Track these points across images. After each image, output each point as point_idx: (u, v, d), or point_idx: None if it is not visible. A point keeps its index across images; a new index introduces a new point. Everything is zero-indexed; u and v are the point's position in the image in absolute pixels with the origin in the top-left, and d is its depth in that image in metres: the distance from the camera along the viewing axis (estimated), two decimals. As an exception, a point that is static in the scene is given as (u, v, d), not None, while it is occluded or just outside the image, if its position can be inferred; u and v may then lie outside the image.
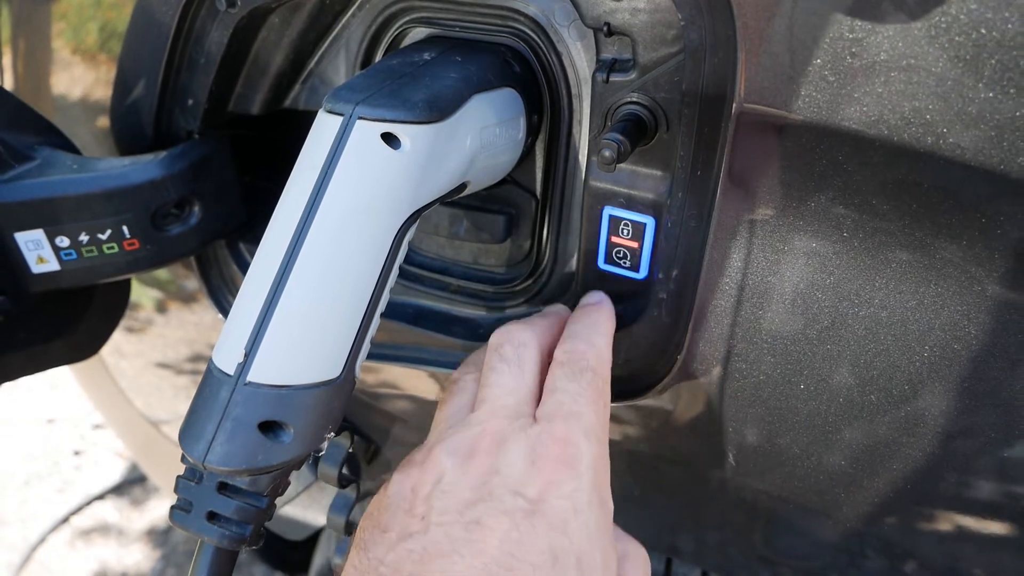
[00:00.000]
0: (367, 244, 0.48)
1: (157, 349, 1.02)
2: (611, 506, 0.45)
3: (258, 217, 0.85)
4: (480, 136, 0.56)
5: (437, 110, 0.52)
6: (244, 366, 0.45)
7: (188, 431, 0.45)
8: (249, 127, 0.77)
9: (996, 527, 0.58)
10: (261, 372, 0.45)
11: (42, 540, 2.30)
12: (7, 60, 0.92)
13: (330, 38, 0.67)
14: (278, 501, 0.48)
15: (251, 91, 0.70)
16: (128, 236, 0.71)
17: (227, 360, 0.46)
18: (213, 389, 0.45)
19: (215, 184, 0.76)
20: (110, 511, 2.42)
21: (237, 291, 0.85)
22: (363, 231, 0.48)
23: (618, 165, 0.53)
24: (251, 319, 0.46)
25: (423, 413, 0.80)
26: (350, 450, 0.71)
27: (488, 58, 0.60)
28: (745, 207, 0.50)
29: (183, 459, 0.46)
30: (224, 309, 0.85)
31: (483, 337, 0.71)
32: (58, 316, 0.78)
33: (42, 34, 0.86)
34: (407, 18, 0.65)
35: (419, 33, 0.66)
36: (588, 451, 0.45)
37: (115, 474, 2.55)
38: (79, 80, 0.86)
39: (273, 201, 0.87)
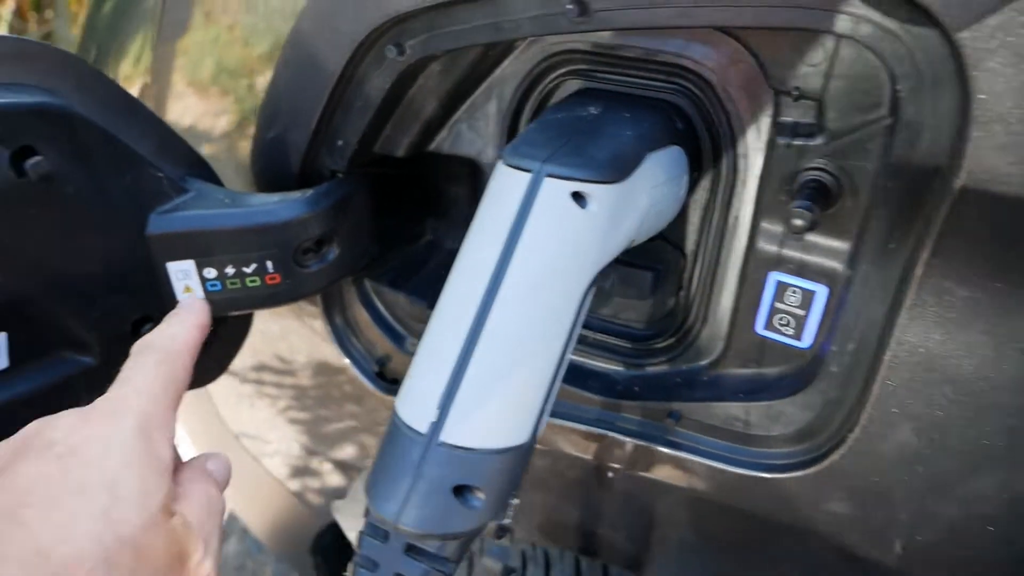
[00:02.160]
0: (558, 304, 0.48)
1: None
2: (164, 452, 0.47)
3: (385, 255, 0.85)
4: (652, 195, 0.55)
5: (620, 170, 0.51)
6: (437, 425, 0.44)
7: (378, 488, 0.45)
8: (389, 168, 0.77)
9: None
10: (455, 433, 0.44)
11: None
12: (135, 90, 0.95)
13: (483, 86, 0.68)
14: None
15: (399, 134, 0.71)
16: (271, 271, 0.71)
17: (417, 417, 0.45)
18: (404, 446, 0.45)
19: (353, 222, 0.76)
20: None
21: (359, 329, 0.85)
22: (554, 291, 0.47)
23: (810, 230, 0.52)
24: (442, 377, 0.45)
25: (555, 466, 0.79)
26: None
27: (655, 115, 0.60)
28: (951, 285, 0.48)
29: (367, 514, 0.46)
30: (345, 347, 0.86)
31: (620, 394, 0.70)
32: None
33: (166, 67, 0.88)
34: (564, 70, 0.65)
35: (572, 85, 0.66)
36: (138, 403, 0.48)
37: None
38: (190, 110, 0.88)
39: (400, 239, 0.89)
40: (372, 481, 0.45)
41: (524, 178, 0.49)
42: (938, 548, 0.58)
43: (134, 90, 0.94)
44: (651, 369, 0.70)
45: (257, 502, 1.37)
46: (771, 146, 0.57)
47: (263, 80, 0.78)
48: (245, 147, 0.79)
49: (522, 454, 0.46)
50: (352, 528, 0.83)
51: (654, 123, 0.58)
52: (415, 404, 0.46)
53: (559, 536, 0.83)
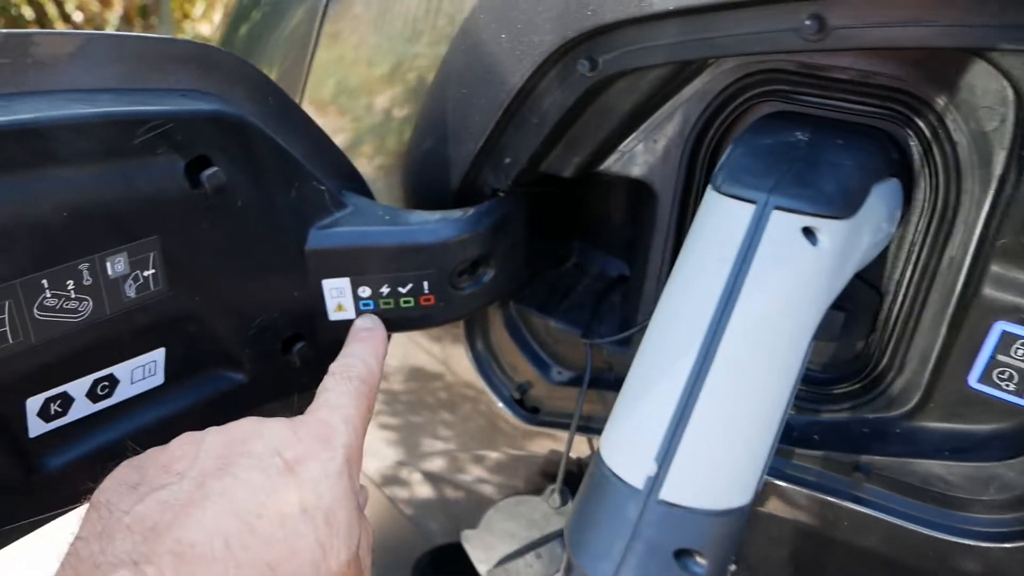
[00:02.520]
0: (788, 349, 0.43)
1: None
2: (359, 486, 0.49)
3: (533, 278, 0.82)
4: (874, 232, 0.50)
5: (850, 203, 0.47)
6: (656, 481, 0.40)
7: (587, 544, 0.41)
8: (548, 187, 0.74)
9: None
10: (676, 491, 0.40)
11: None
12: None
13: (667, 106, 0.64)
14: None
15: (571, 153, 0.67)
16: (426, 292, 0.69)
17: (632, 470, 0.41)
18: (617, 501, 0.41)
19: (510, 244, 0.73)
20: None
21: (500, 354, 0.82)
22: (785, 335, 0.43)
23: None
24: (660, 426, 0.41)
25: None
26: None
27: (871, 143, 0.55)
28: None
29: (570, 570, 0.42)
30: (485, 373, 0.82)
31: (795, 441, 0.65)
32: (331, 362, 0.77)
33: (291, 87, 0.87)
34: (760, 91, 0.60)
35: (763, 108, 0.62)
36: (344, 433, 0.48)
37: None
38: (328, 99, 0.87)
39: (547, 262, 0.85)
40: (578, 535, 0.42)
41: (747, 209, 0.45)
42: None
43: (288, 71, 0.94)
44: (829, 416, 0.65)
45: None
46: (1003, 182, 0.51)
47: (381, 100, 0.77)
48: (359, 164, 0.78)
49: (744, 516, 0.42)
50: (483, 561, 0.80)
51: (872, 153, 0.53)
52: (629, 455, 0.42)
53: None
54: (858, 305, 0.62)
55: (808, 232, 0.45)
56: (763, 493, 0.66)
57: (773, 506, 0.66)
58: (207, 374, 0.65)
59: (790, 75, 0.58)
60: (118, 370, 0.56)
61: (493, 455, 0.94)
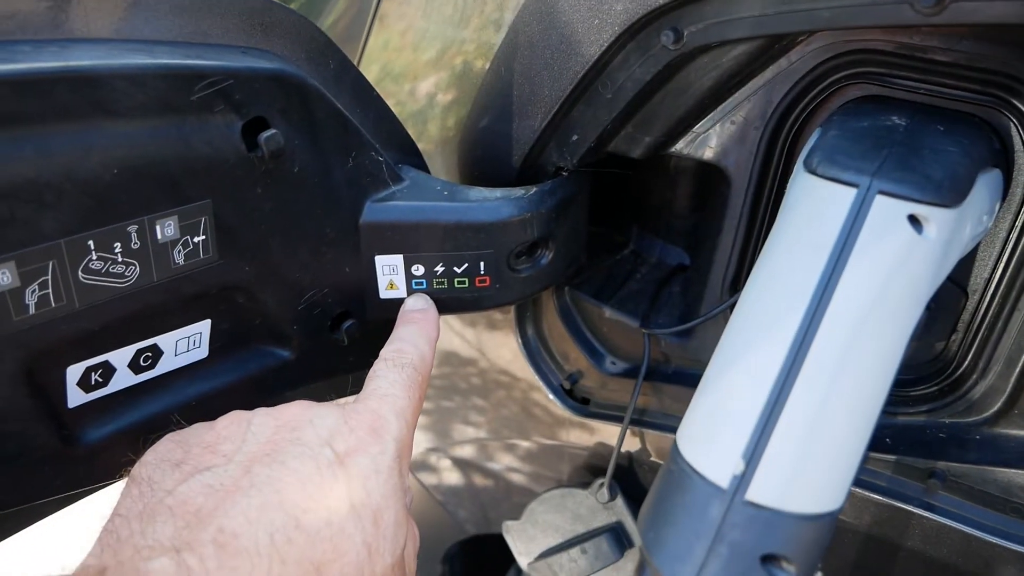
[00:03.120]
0: (887, 345, 0.40)
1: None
2: (408, 484, 0.47)
3: (591, 263, 0.79)
4: (976, 223, 0.47)
5: (958, 192, 0.43)
6: (742, 481, 0.37)
7: (664, 543, 0.38)
8: (612, 167, 0.71)
9: None
10: (764, 491, 0.37)
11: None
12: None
13: (749, 85, 0.60)
14: None
15: (642, 133, 0.64)
16: (482, 272, 0.66)
17: (716, 467, 0.38)
18: (699, 500, 0.38)
19: (570, 226, 0.70)
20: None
21: (552, 341, 0.79)
22: (884, 329, 0.40)
23: None
24: (748, 422, 0.38)
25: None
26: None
27: (973, 131, 0.51)
28: None
29: (643, 571, 0.39)
30: (535, 361, 0.79)
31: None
32: (381, 343, 0.74)
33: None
34: (850, 72, 0.57)
35: (853, 93, 0.58)
36: (396, 426, 0.46)
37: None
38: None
39: (604, 248, 0.82)
40: (654, 534, 0.39)
41: (848, 193, 0.42)
42: None
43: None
44: (905, 419, 0.61)
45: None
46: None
47: (425, 85, 0.76)
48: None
49: (833, 522, 0.38)
50: (524, 553, 0.77)
51: (975, 141, 0.49)
52: (713, 451, 0.39)
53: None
54: (941, 303, 0.58)
55: (914, 220, 0.41)
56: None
57: (843, 511, 0.62)
58: (253, 349, 0.62)
59: (887, 55, 0.54)
60: (162, 340, 0.54)
61: (533, 446, 0.91)
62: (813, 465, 0.38)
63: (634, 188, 0.79)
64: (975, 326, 0.58)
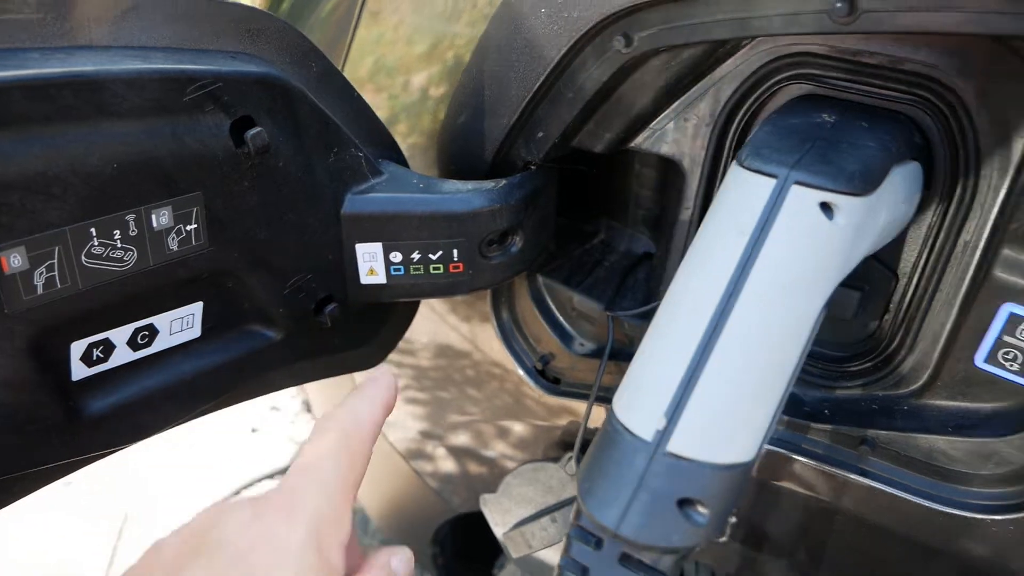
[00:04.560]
0: (798, 317, 0.45)
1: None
2: (336, 560, 0.42)
3: (560, 252, 0.84)
4: (891, 212, 0.52)
5: (869, 182, 0.48)
6: (664, 434, 0.42)
7: (595, 492, 0.43)
8: (579, 163, 0.76)
9: None
10: (683, 444, 0.42)
11: (215, 509, 2.42)
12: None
13: (699, 85, 0.65)
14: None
15: (602, 129, 0.69)
16: (456, 259, 0.71)
17: (642, 423, 0.43)
18: (626, 453, 0.43)
19: (539, 217, 0.75)
20: (277, 493, 2.52)
21: (525, 324, 0.84)
22: (796, 303, 0.45)
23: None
24: (672, 383, 0.43)
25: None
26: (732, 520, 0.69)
27: (894, 127, 0.56)
28: None
29: (578, 517, 0.44)
30: (509, 343, 0.85)
31: (807, 415, 0.67)
32: (366, 326, 0.79)
33: (335, 59, 0.89)
34: (791, 73, 0.62)
35: (795, 90, 0.63)
36: (314, 501, 0.42)
37: (286, 456, 2.64)
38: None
39: (575, 237, 0.87)
40: (588, 484, 0.44)
41: (768, 183, 0.47)
42: None
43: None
44: (842, 393, 0.66)
45: (387, 491, 1.38)
46: (1020, 170, 0.53)
47: (419, 79, 0.79)
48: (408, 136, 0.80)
49: (746, 472, 0.44)
50: (499, 524, 0.82)
51: (895, 136, 0.54)
52: (640, 410, 0.44)
53: (727, 558, 0.80)
54: (874, 285, 0.64)
55: (825, 207, 0.46)
56: (774, 465, 0.68)
57: (783, 477, 0.68)
58: (242, 330, 0.68)
59: (821, 59, 0.59)
60: (158, 320, 0.59)
61: (513, 426, 0.96)
62: (727, 422, 0.43)
63: (603, 181, 0.84)
64: (904, 306, 0.63)
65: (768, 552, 0.75)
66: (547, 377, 0.85)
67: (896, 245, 0.62)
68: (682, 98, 0.66)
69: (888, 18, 0.47)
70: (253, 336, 0.68)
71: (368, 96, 0.85)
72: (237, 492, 2.49)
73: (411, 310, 0.85)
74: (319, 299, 0.70)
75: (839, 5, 0.48)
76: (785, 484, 0.68)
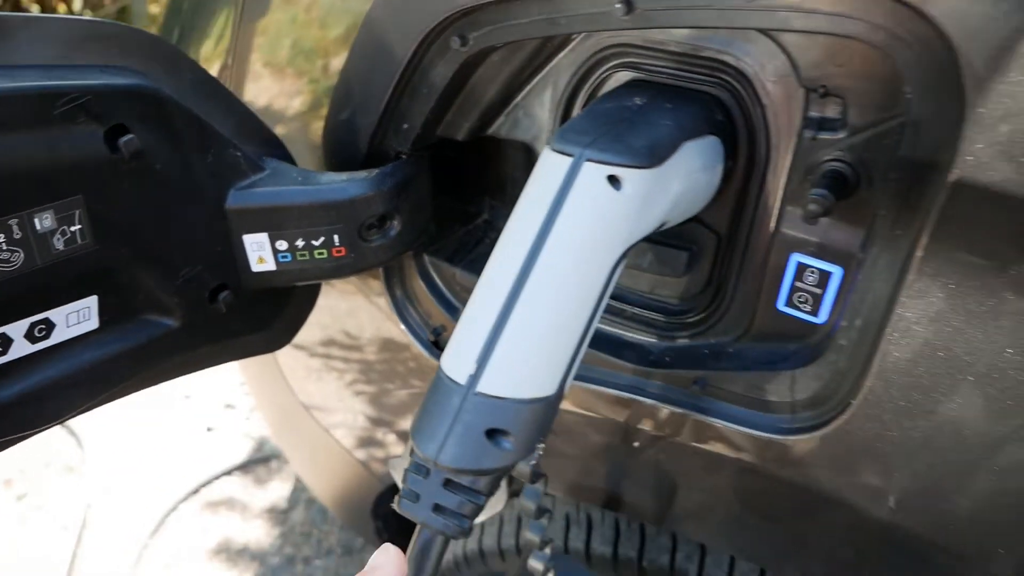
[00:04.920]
0: (589, 275, 0.53)
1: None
2: None
3: (444, 232, 0.91)
4: (686, 181, 0.60)
5: (655, 156, 0.56)
6: (475, 377, 0.50)
7: (421, 430, 0.51)
8: (448, 150, 0.83)
9: None
10: (490, 384, 0.50)
11: (174, 508, 2.46)
12: (215, 70, 1.01)
13: (540, 76, 0.73)
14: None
15: (460, 119, 0.77)
16: (337, 244, 0.78)
17: (458, 370, 0.51)
18: (444, 395, 0.51)
19: (414, 201, 0.82)
20: (236, 487, 2.56)
21: (417, 301, 0.92)
22: (586, 263, 0.53)
23: (824, 216, 0.56)
24: (481, 336, 0.51)
25: (579, 425, 0.84)
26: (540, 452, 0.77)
27: (695, 106, 0.64)
28: (946, 269, 0.52)
29: (411, 454, 0.52)
30: (404, 318, 0.92)
31: (652, 363, 0.75)
32: (263, 310, 0.86)
33: (246, 48, 0.94)
34: (615, 62, 0.70)
35: (622, 77, 0.71)
36: None
37: (242, 453, 2.69)
38: (266, 90, 0.94)
39: (458, 218, 0.95)
40: (416, 426, 0.52)
41: (566, 161, 0.55)
42: (926, 503, 0.62)
43: (214, 70, 1.01)
44: (681, 341, 0.75)
45: (325, 471, 1.45)
46: (799, 138, 0.61)
47: (338, 62, 0.82)
48: (318, 127, 0.85)
49: (548, 405, 0.52)
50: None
51: (693, 114, 0.63)
52: (457, 359, 0.52)
53: (596, 495, 0.89)
54: (701, 246, 0.72)
55: (613, 179, 0.54)
56: (624, 406, 0.76)
57: (631, 417, 0.76)
58: (140, 320, 0.74)
59: (637, 48, 0.68)
60: (53, 315, 0.66)
61: (413, 394, 1.04)
62: (528, 364, 0.51)
63: (482, 165, 0.91)
64: (727, 264, 0.71)
65: (618, 478, 0.84)
66: (440, 348, 0.93)
67: (717, 209, 0.70)
68: (527, 88, 0.74)
69: (660, 15, 0.56)
70: (151, 325, 0.75)
71: (289, 80, 0.90)
72: (196, 491, 2.54)
73: (312, 294, 0.92)
74: (212, 287, 0.77)
75: (618, 6, 0.56)
76: (632, 422, 0.76)
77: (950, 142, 0.49)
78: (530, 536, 0.75)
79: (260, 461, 2.68)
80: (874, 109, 0.56)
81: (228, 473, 2.63)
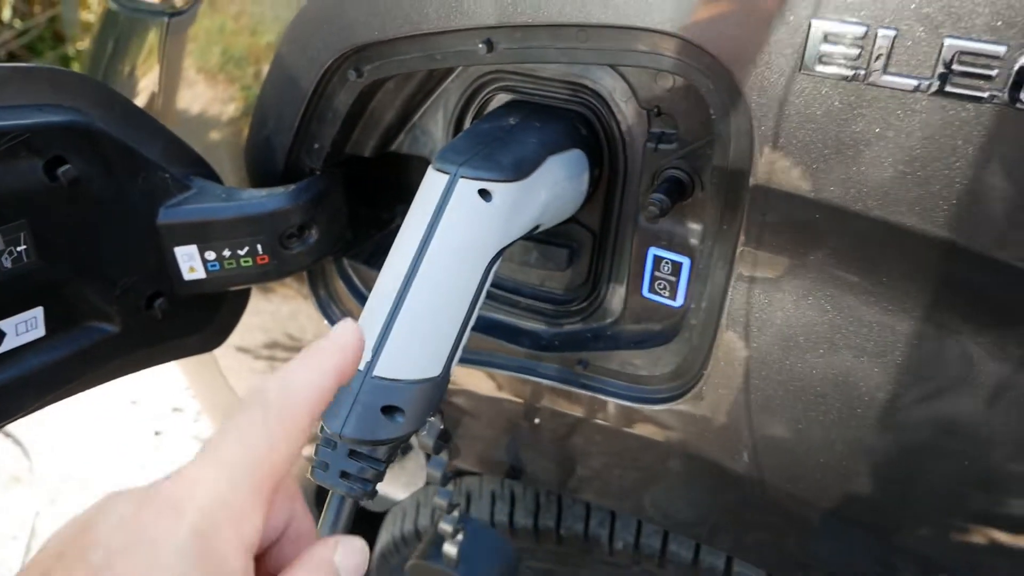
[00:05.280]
0: (465, 274, 0.63)
1: (236, 334, 1.08)
2: (232, 562, 0.36)
3: (360, 238, 1.01)
4: (552, 189, 0.71)
5: (521, 171, 0.67)
6: (371, 364, 0.60)
7: (328, 411, 0.61)
8: (358, 166, 0.93)
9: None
10: (384, 369, 0.60)
11: (125, 512, 2.50)
12: (150, 77, 1.07)
13: (431, 99, 0.83)
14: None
15: (365, 138, 0.86)
16: (260, 252, 0.87)
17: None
18: (350, 382, 0.61)
19: (329, 212, 0.92)
20: (186, 490, 2.62)
21: (339, 300, 1.01)
22: (462, 264, 0.63)
23: (662, 216, 0.67)
24: (376, 328, 0.61)
25: (483, 406, 0.95)
26: (441, 426, 0.86)
27: (561, 124, 0.75)
28: (760, 256, 0.64)
29: (322, 430, 0.62)
30: (328, 315, 1.02)
31: (543, 347, 0.86)
32: (198, 314, 0.95)
33: (178, 55, 1.01)
34: (495, 86, 0.80)
35: (503, 97, 0.82)
36: (207, 490, 0.36)
37: (191, 455, 2.74)
38: (199, 98, 1.01)
39: (373, 224, 1.04)
40: (328, 409, 0.61)
41: (444, 179, 0.65)
42: (773, 456, 0.74)
43: (150, 78, 1.07)
44: (568, 327, 0.86)
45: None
46: (645, 149, 0.72)
47: (253, 70, 0.89)
48: (237, 132, 0.92)
49: (435, 384, 0.62)
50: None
51: (559, 131, 0.73)
52: None
53: (511, 470, 0.99)
54: (580, 244, 0.83)
55: (483, 192, 0.64)
56: (518, 387, 0.87)
57: (524, 396, 0.87)
58: (83, 327, 0.83)
59: (512, 74, 0.78)
60: (4, 324, 0.74)
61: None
62: (415, 351, 0.61)
63: (394, 176, 1.01)
64: (602, 258, 0.82)
65: (527, 453, 0.95)
66: (362, 342, 1.02)
67: (592, 210, 0.81)
68: (421, 109, 0.84)
69: (516, 53, 0.67)
70: (94, 331, 0.83)
71: (222, 87, 0.96)
72: (146, 494, 2.57)
73: (243, 298, 1.01)
74: (148, 296, 0.85)
75: (481, 46, 0.66)
76: (525, 400, 0.87)
77: (748, 153, 0.60)
78: (438, 500, 0.86)
79: (209, 463, 2.72)
80: (697, 126, 0.67)
81: (178, 476, 2.67)
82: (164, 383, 2.95)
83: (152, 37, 1.05)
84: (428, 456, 0.87)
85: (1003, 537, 0.68)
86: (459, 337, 0.63)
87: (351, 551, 0.42)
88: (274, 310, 1.12)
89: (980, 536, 0.68)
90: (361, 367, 0.61)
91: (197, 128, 0.98)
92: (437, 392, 0.62)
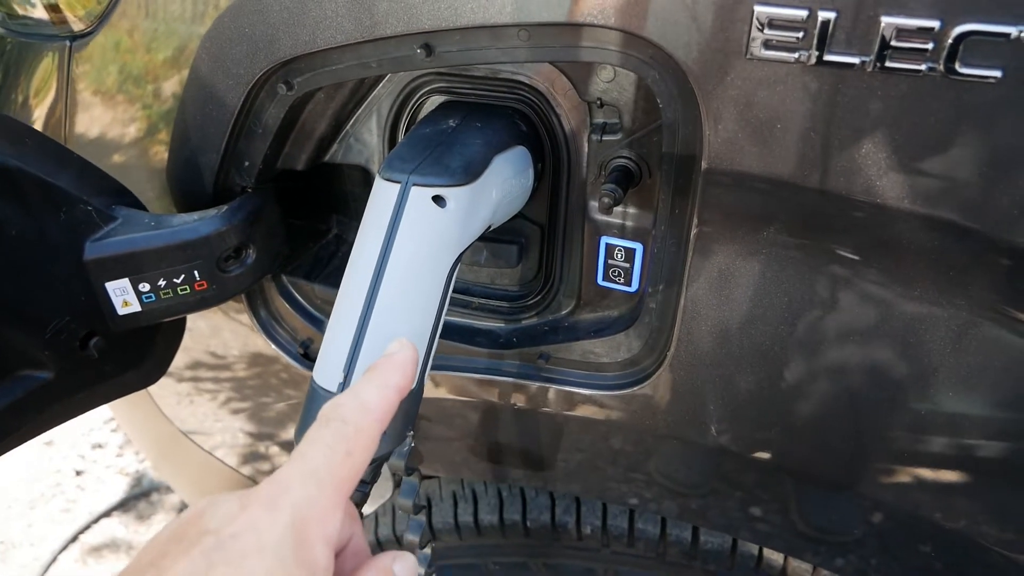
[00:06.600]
0: (429, 283, 0.62)
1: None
2: (320, 554, 0.43)
3: (298, 252, 0.98)
4: (502, 188, 0.70)
5: (471, 173, 0.66)
6: (343, 385, 0.59)
7: (300, 432, 0.59)
8: (292, 180, 0.90)
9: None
10: (358, 387, 0.59)
11: (53, 560, 2.39)
12: (48, 100, 1.02)
13: (363, 106, 0.81)
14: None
15: (297, 151, 0.84)
16: (198, 279, 0.84)
17: (329, 380, 0.60)
18: (318, 402, 0.59)
19: (265, 229, 0.89)
20: (117, 527, 2.51)
21: (281, 319, 0.98)
22: (425, 274, 0.62)
23: (616, 205, 0.68)
24: (344, 348, 0.60)
25: (446, 411, 0.94)
26: (412, 444, 0.85)
27: (501, 122, 0.74)
28: (712, 238, 0.65)
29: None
30: (272, 336, 0.99)
31: (502, 345, 0.86)
32: (134, 349, 0.90)
33: (74, 77, 0.96)
34: (427, 88, 0.79)
35: (437, 99, 0.81)
36: (298, 491, 0.43)
37: (119, 491, 2.63)
38: (98, 119, 0.97)
39: (310, 237, 1.02)
40: (299, 430, 0.60)
41: (396, 188, 0.64)
42: (738, 428, 0.76)
43: (48, 105, 1.01)
44: (525, 322, 0.86)
45: (214, 493, 1.47)
46: (589, 141, 0.73)
47: (169, 85, 0.85)
48: (157, 152, 0.88)
49: (412, 397, 0.61)
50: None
51: (500, 129, 0.73)
52: (326, 371, 0.60)
53: (478, 469, 0.99)
54: (528, 239, 0.83)
55: (438, 199, 0.63)
56: (480, 386, 0.87)
57: (488, 394, 0.87)
58: (15, 376, 0.78)
59: (444, 75, 0.77)
60: (-69, 377, 0.69)
61: (289, 404, 1.10)
62: (387, 367, 0.60)
63: (326, 186, 0.98)
64: (552, 251, 0.82)
65: (494, 451, 0.95)
66: (310, 359, 1.00)
67: (538, 205, 0.81)
68: (354, 118, 0.82)
69: (455, 56, 0.66)
70: (26, 380, 0.78)
71: (122, 107, 0.91)
72: (74, 538, 2.47)
73: (178, 328, 0.97)
74: (82, 336, 0.81)
75: (419, 51, 0.65)
76: (489, 398, 0.87)
77: (697, 139, 0.61)
78: (410, 537, 0.85)
79: (140, 496, 2.63)
80: (641, 115, 0.68)
81: (107, 514, 2.57)
82: (80, 419, 2.82)
83: (48, 62, 0.99)
84: (398, 481, 0.85)
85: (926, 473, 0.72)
86: (429, 346, 0.63)
87: (407, 565, 0.48)
88: (192, 327, 1.08)
89: (912, 474, 0.72)
90: (333, 387, 0.59)
91: (112, 155, 0.93)
92: (414, 405, 0.61)
